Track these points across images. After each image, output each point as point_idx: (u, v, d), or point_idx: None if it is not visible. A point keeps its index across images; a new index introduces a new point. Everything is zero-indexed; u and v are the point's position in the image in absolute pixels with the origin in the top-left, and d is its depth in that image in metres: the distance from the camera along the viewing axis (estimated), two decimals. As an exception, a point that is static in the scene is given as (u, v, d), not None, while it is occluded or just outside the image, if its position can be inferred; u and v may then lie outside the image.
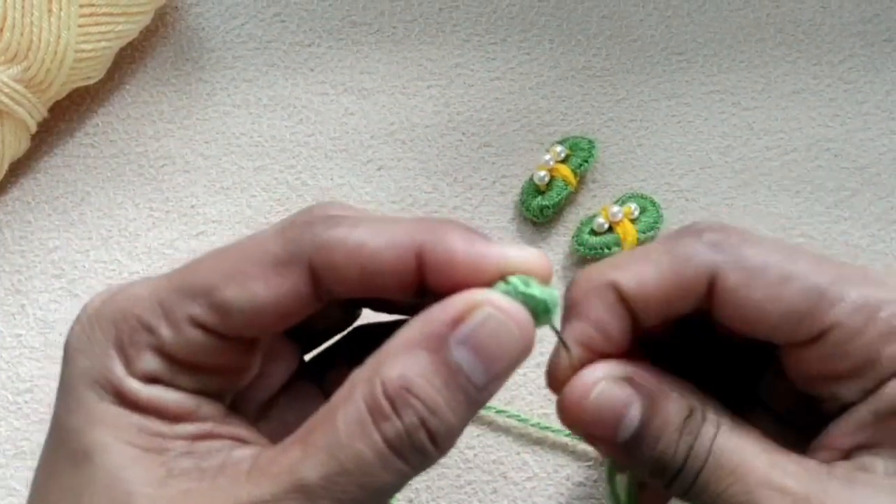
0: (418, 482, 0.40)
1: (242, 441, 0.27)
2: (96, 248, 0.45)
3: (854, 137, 0.46)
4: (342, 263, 0.25)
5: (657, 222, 0.43)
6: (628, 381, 0.27)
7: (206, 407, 0.27)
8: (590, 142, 0.45)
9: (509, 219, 0.45)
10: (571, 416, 0.27)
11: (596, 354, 0.27)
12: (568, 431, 0.40)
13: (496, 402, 0.41)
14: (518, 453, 0.40)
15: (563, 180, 0.44)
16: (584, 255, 0.43)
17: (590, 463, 0.40)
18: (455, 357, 0.24)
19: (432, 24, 0.50)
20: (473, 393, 0.24)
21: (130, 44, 0.49)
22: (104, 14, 0.45)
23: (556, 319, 0.26)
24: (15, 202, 0.47)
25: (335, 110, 0.48)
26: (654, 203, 0.44)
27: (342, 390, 0.25)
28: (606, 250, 0.42)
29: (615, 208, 0.43)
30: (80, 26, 0.45)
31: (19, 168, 0.47)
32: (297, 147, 0.47)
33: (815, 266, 0.27)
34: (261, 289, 0.25)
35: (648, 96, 0.47)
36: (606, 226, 0.43)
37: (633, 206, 0.43)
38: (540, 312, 0.25)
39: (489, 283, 0.25)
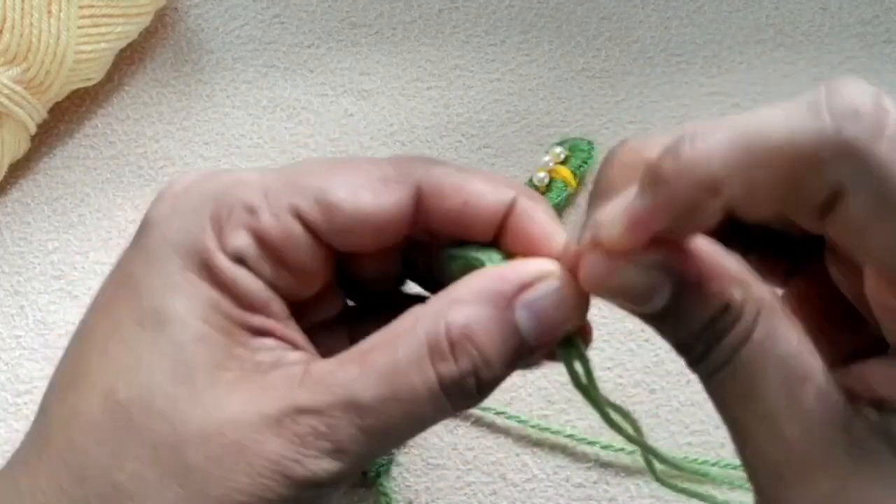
0: (417, 483, 0.40)
1: (295, 345, 0.27)
2: (96, 250, 0.45)
3: (853, 139, 0.46)
4: (448, 192, 0.27)
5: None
6: (664, 265, 0.24)
7: (276, 305, 0.27)
8: (589, 143, 0.45)
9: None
10: (594, 286, 0.26)
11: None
12: (568, 432, 0.40)
13: (495, 403, 0.41)
14: (517, 455, 0.40)
15: (563, 181, 0.44)
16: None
17: (589, 464, 0.40)
18: (517, 317, 0.25)
19: (432, 25, 0.50)
20: (523, 352, 0.26)
21: (130, 45, 0.49)
22: (104, 15, 0.45)
23: None
24: (14, 203, 0.47)
25: (335, 112, 0.48)
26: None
27: (404, 320, 0.26)
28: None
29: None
30: (79, 28, 0.45)
31: (19, 169, 0.47)
32: (297, 148, 0.47)
33: None
34: (369, 197, 0.27)
35: (648, 97, 0.47)
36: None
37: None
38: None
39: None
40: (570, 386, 0.42)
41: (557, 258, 0.26)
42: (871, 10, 0.49)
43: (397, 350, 0.25)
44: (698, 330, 0.24)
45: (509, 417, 0.41)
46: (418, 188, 0.27)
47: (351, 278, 0.30)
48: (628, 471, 0.40)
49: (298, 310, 0.28)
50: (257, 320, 0.27)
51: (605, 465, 0.40)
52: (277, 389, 0.25)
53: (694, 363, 0.25)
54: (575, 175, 0.44)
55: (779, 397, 0.23)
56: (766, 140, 0.22)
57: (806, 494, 0.23)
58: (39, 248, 0.46)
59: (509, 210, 0.27)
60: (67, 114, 0.49)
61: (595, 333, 0.43)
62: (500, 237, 0.27)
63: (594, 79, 0.48)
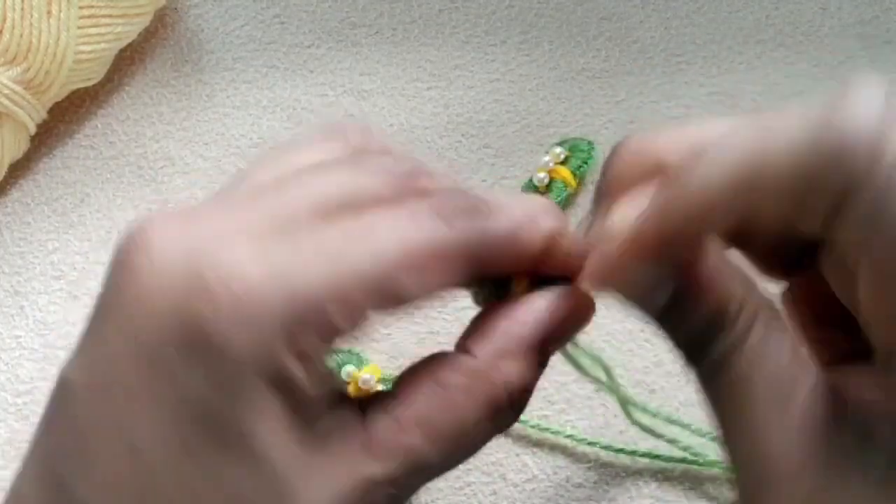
0: (418, 484, 0.40)
1: (337, 403, 0.26)
2: (96, 250, 0.45)
3: (853, 139, 0.46)
4: (498, 252, 0.27)
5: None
6: (667, 265, 0.25)
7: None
8: (589, 143, 0.45)
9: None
10: (597, 279, 0.27)
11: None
12: (568, 432, 0.40)
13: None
14: (517, 455, 0.40)
15: (563, 182, 0.44)
16: None
17: (589, 465, 0.40)
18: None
19: (432, 25, 0.50)
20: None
21: (130, 45, 0.49)
22: (103, 16, 0.45)
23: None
24: (14, 203, 0.47)
25: (335, 112, 0.48)
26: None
27: (455, 376, 0.26)
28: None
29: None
30: (79, 28, 0.45)
31: (18, 169, 0.47)
32: (297, 148, 0.47)
33: None
34: (434, 282, 0.26)
35: (648, 98, 0.47)
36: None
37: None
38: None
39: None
40: (571, 387, 0.42)
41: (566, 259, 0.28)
42: (870, 11, 0.49)
43: (462, 416, 0.26)
44: (695, 332, 0.25)
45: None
46: (471, 253, 0.27)
47: None
48: (628, 471, 0.40)
49: None
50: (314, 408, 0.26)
51: (605, 465, 0.40)
52: (346, 462, 0.25)
53: (688, 364, 0.25)
54: (575, 175, 0.44)
55: (765, 408, 0.24)
56: (769, 167, 0.22)
57: (782, 502, 0.24)
58: (39, 248, 0.46)
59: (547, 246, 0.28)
60: (67, 114, 0.48)
61: (595, 334, 0.43)
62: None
63: (594, 79, 0.48)
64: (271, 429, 0.25)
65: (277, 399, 0.25)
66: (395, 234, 0.26)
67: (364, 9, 0.51)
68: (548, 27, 0.50)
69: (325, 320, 0.25)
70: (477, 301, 0.29)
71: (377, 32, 0.50)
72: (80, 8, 0.44)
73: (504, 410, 0.27)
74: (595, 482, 0.40)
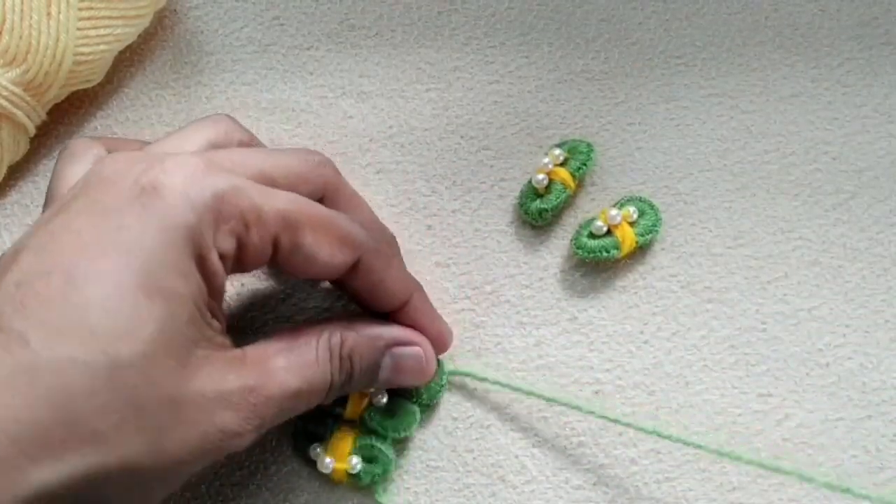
0: (416, 485, 0.40)
1: (224, 327, 0.34)
2: (95, 252, 0.45)
3: (852, 140, 0.46)
4: (375, 276, 0.38)
5: (656, 225, 0.43)
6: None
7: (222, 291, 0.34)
8: (588, 145, 0.45)
9: (508, 222, 0.45)
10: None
11: None
12: (575, 403, 0.40)
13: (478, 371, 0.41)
14: (517, 457, 0.40)
15: (562, 183, 0.44)
16: (584, 259, 0.43)
17: (588, 466, 0.40)
18: (384, 359, 0.38)
19: (431, 27, 0.50)
20: (371, 384, 0.39)
21: (129, 47, 0.49)
22: (103, 17, 0.45)
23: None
24: (14, 205, 0.47)
25: (334, 113, 0.48)
26: (652, 206, 0.44)
27: (315, 326, 0.36)
28: (605, 253, 0.42)
29: (613, 211, 0.43)
30: (78, 29, 0.45)
31: (18, 171, 0.47)
32: (296, 150, 0.47)
33: None
34: (329, 257, 0.35)
35: (647, 99, 0.47)
36: (605, 229, 0.43)
37: (631, 210, 0.43)
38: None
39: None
40: (571, 388, 0.42)
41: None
42: (869, 12, 0.49)
43: (312, 355, 0.35)
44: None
45: (504, 385, 0.41)
46: (360, 258, 0.36)
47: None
48: (627, 472, 0.40)
49: None
50: (215, 306, 0.33)
51: (604, 466, 0.40)
52: (232, 370, 0.32)
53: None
54: (574, 177, 0.44)
55: None
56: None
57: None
58: (39, 250, 0.45)
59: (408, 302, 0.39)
60: (67, 115, 0.49)
61: (594, 335, 0.43)
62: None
63: (593, 81, 0.48)
64: (189, 293, 0.31)
65: (198, 276, 0.32)
66: (316, 204, 0.35)
67: (363, 11, 0.51)
68: (547, 29, 0.50)
69: (244, 219, 0.32)
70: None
71: (377, 34, 0.50)
72: (80, 10, 0.44)
73: (342, 366, 0.36)
74: (594, 483, 0.40)
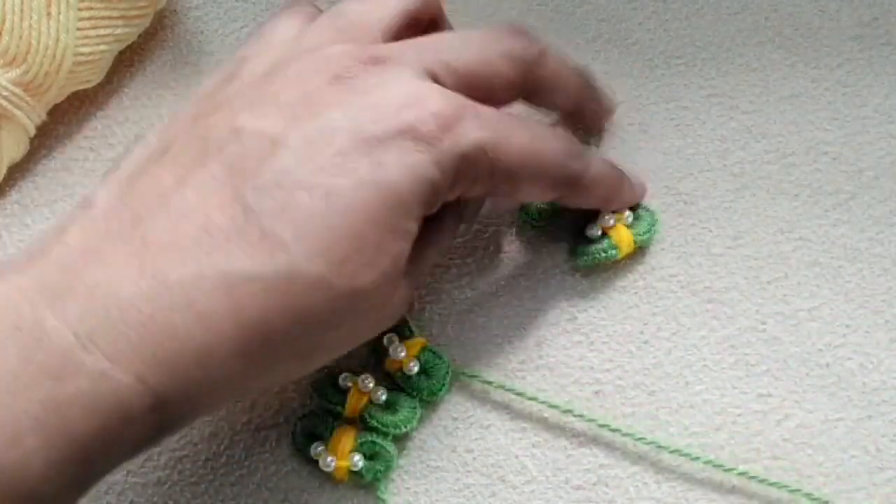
0: (416, 485, 0.40)
1: None
2: (95, 252, 0.45)
3: (852, 141, 0.46)
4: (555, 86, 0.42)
5: (653, 225, 0.43)
6: None
7: None
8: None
9: (508, 222, 0.45)
10: None
11: None
12: (577, 412, 0.40)
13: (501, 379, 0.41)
14: (517, 457, 0.40)
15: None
16: (584, 265, 0.43)
17: (589, 466, 0.40)
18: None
19: (431, 27, 0.50)
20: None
21: (129, 47, 0.49)
22: (103, 18, 0.45)
23: None
24: (13, 205, 0.47)
25: (334, 114, 0.48)
26: (647, 209, 0.44)
27: None
28: (603, 254, 0.42)
29: (607, 216, 0.43)
30: (78, 30, 0.45)
31: (18, 171, 0.47)
32: (296, 150, 0.47)
33: None
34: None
35: (647, 100, 0.47)
36: (600, 232, 0.43)
37: (626, 213, 0.43)
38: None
39: None
40: (571, 388, 0.42)
41: None
42: (869, 13, 0.49)
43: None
44: None
45: (508, 390, 0.41)
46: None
47: None
48: (627, 473, 0.40)
49: None
50: None
51: (604, 467, 0.40)
52: (411, 280, 0.37)
53: None
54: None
55: None
56: None
57: None
58: (38, 250, 0.45)
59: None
60: (66, 116, 0.49)
61: (594, 335, 0.43)
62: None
63: (593, 81, 0.48)
64: (413, 237, 0.34)
65: (422, 219, 0.35)
66: (542, 144, 0.38)
67: (363, 11, 0.51)
68: (546, 29, 0.50)
69: (476, 178, 0.35)
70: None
71: (376, 34, 0.50)
72: (80, 10, 0.44)
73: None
74: (594, 484, 0.40)
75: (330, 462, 0.39)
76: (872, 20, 0.49)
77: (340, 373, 0.40)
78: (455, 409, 0.41)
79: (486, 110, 0.36)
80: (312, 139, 0.32)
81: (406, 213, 0.33)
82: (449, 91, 0.35)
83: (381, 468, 0.39)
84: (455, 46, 0.37)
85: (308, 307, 0.31)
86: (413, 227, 0.34)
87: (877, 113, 0.47)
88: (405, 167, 0.33)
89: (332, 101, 0.33)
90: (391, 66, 0.35)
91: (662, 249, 0.44)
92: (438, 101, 0.34)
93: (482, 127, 0.35)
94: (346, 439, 0.39)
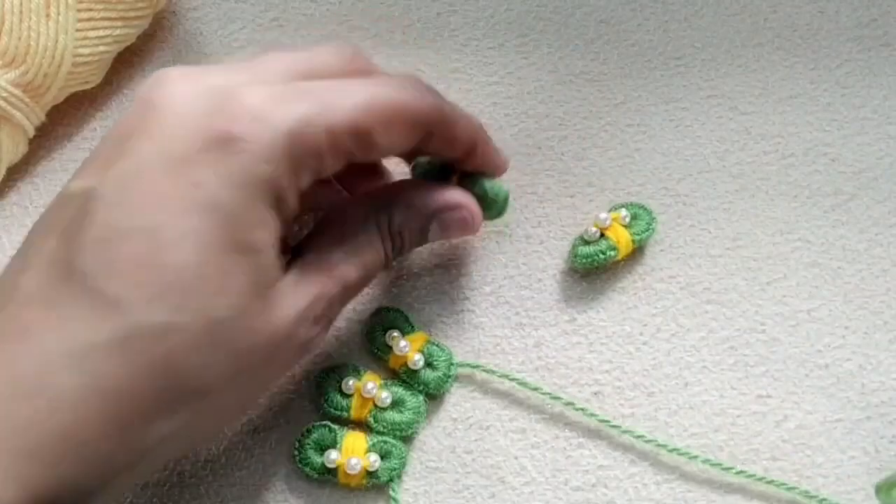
0: (416, 486, 0.40)
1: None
2: (94, 253, 0.45)
3: (851, 142, 0.46)
4: (461, 127, 0.39)
5: (651, 224, 0.43)
6: None
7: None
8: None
9: (507, 223, 0.45)
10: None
11: None
12: (578, 406, 0.40)
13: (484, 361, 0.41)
14: (516, 458, 0.40)
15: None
16: (584, 267, 0.43)
17: (588, 468, 0.40)
18: (431, 225, 0.38)
19: (430, 28, 0.50)
20: (420, 244, 0.40)
21: (129, 48, 0.49)
22: (102, 19, 0.45)
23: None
24: (13, 207, 0.47)
25: (333, 115, 0.48)
26: (645, 208, 0.44)
27: (359, 210, 0.37)
28: (602, 255, 0.42)
29: (603, 215, 0.43)
30: (78, 31, 0.45)
31: (17, 173, 0.47)
32: (295, 151, 0.47)
33: None
34: (403, 136, 0.36)
35: (646, 101, 0.48)
36: (598, 233, 0.43)
37: (622, 213, 0.43)
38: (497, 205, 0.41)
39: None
40: (570, 389, 0.42)
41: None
42: (868, 14, 0.49)
43: (365, 240, 0.36)
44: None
45: (512, 379, 0.41)
46: (429, 122, 0.36)
47: None
48: (626, 474, 0.40)
49: None
50: (287, 235, 0.34)
51: (603, 468, 0.40)
52: (301, 286, 0.34)
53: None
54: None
55: None
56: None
57: None
58: (38, 251, 0.45)
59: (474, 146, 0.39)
60: (66, 117, 0.48)
61: (594, 336, 0.43)
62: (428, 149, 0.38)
63: (592, 82, 0.48)
64: (271, 242, 0.32)
65: (277, 222, 0.32)
66: (376, 90, 0.34)
67: (362, 12, 0.51)
68: (546, 30, 0.50)
69: (319, 152, 0.32)
70: (414, 173, 0.41)
71: (375, 35, 0.50)
72: (79, 11, 0.44)
73: (389, 243, 0.37)
74: (593, 485, 0.40)
75: (355, 464, 0.38)
76: (871, 21, 0.49)
77: (342, 376, 0.40)
78: (455, 410, 0.41)
79: (312, 84, 0.33)
80: (123, 181, 0.30)
81: (246, 224, 0.31)
82: (272, 83, 0.32)
83: (396, 466, 0.39)
84: (286, 64, 0.34)
85: (166, 357, 0.29)
86: (264, 233, 0.31)
87: (876, 114, 0.47)
88: (223, 178, 0.30)
89: (142, 134, 0.31)
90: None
91: (661, 250, 0.44)
92: (251, 94, 0.31)
93: (302, 100, 0.32)
94: (359, 442, 0.39)
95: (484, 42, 0.50)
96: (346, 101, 0.33)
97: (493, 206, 0.40)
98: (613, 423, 0.40)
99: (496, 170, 0.41)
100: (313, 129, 0.32)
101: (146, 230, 0.29)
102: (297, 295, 0.33)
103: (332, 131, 0.32)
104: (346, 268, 0.35)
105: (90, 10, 0.45)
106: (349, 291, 0.36)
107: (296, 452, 0.40)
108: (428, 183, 0.39)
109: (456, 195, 0.38)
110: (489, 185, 0.40)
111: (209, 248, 0.30)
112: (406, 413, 0.40)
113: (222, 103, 0.31)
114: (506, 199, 0.41)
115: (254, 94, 0.31)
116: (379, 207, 0.37)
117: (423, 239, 0.39)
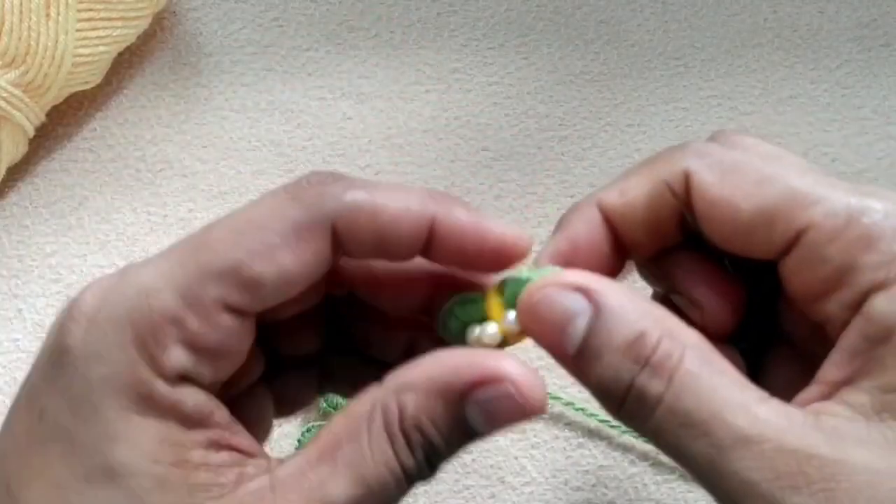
0: (417, 488, 0.40)
1: (248, 453, 0.26)
2: (94, 253, 0.45)
3: (851, 142, 0.46)
4: (364, 226, 0.25)
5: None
6: (583, 290, 0.25)
7: (219, 412, 0.25)
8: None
9: (506, 223, 0.45)
10: (525, 320, 0.26)
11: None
12: (579, 406, 0.40)
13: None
14: (516, 458, 0.40)
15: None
16: None
17: (587, 468, 0.40)
18: (467, 413, 0.25)
19: (430, 28, 0.50)
20: (474, 438, 0.26)
21: (128, 48, 0.49)
22: (102, 19, 0.45)
23: None
24: (13, 207, 0.47)
25: (333, 115, 0.48)
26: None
27: (360, 405, 0.25)
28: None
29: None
30: (77, 31, 0.45)
31: (17, 173, 0.47)
32: (295, 152, 0.47)
33: (798, 170, 0.26)
34: (288, 259, 0.25)
35: (646, 101, 0.47)
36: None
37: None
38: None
39: (492, 264, 0.27)
40: (570, 389, 0.42)
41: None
42: (868, 14, 0.49)
43: (363, 445, 0.25)
44: (619, 357, 0.24)
45: None
46: (333, 229, 0.25)
47: (272, 342, 0.29)
48: (626, 474, 0.40)
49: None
50: (204, 436, 0.25)
51: (603, 468, 0.40)
52: None
53: (621, 402, 0.25)
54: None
55: (733, 415, 0.23)
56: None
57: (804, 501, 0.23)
58: (37, 251, 0.45)
59: (432, 224, 0.26)
60: (66, 117, 0.48)
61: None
62: (433, 253, 0.27)
63: (592, 82, 0.48)
64: (140, 455, 0.24)
65: (147, 425, 0.24)
66: (236, 222, 0.25)
67: (362, 12, 0.51)
68: (546, 31, 0.50)
69: (179, 324, 0.24)
70: (448, 327, 0.28)
71: (375, 35, 0.50)
72: (79, 11, 0.44)
73: (404, 451, 0.25)
74: (593, 485, 0.40)
75: None
76: (871, 21, 0.49)
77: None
78: (454, 410, 0.41)
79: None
80: None
81: (103, 449, 0.24)
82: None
83: None
84: None
85: None
86: (130, 455, 0.24)
87: (875, 114, 0.47)
88: (65, 401, 0.25)
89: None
90: None
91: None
92: (79, 301, 0.26)
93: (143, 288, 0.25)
94: None
95: (484, 42, 0.50)
96: (207, 249, 0.25)
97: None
98: (613, 423, 0.40)
99: (504, 249, 0.28)
100: (160, 304, 0.24)
101: (3, 472, 0.25)
102: None
103: (189, 295, 0.24)
104: (338, 489, 0.25)
105: (90, 10, 0.45)
106: None
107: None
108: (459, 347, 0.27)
109: (491, 359, 0.25)
110: (510, 282, 0.27)
111: (58, 485, 0.24)
112: None
113: (67, 311, 0.26)
114: None
115: (94, 287, 0.26)
116: (383, 394, 0.25)
117: (462, 434, 0.26)
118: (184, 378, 0.25)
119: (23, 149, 0.46)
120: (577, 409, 0.40)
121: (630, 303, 0.25)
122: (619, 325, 0.24)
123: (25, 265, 0.45)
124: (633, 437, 0.40)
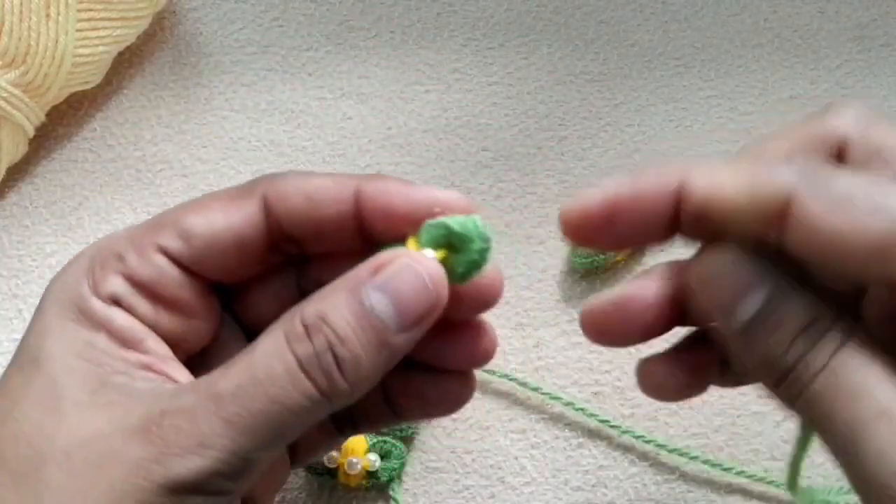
0: (416, 487, 0.40)
1: (177, 382, 0.28)
2: (94, 253, 0.45)
3: (851, 142, 0.46)
4: (291, 192, 0.28)
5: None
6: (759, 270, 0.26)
7: (153, 342, 0.29)
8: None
9: (506, 223, 0.45)
10: (701, 284, 0.27)
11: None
12: (578, 406, 0.40)
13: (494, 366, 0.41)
14: (516, 458, 0.40)
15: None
16: (584, 268, 0.43)
17: (587, 468, 0.40)
18: (370, 299, 0.26)
19: (430, 28, 0.50)
20: (385, 334, 0.26)
21: (128, 48, 0.49)
22: (102, 19, 0.45)
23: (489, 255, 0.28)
24: (12, 207, 0.47)
25: (333, 115, 0.48)
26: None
27: (268, 328, 0.27)
28: (602, 256, 0.42)
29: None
30: (78, 31, 0.45)
31: (17, 173, 0.47)
32: (295, 152, 0.47)
33: None
34: (219, 217, 0.29)
35: (646, 101, 0.47)
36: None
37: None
38: (465, 252, 0.27)
39: (420, 218, 0.28)
40: (570, 389, 0.42)
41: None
42: (868, 14, 0.49)
43: (256, 346, 0.26)
44: (794, 336, 0.25)
45: (512, 379, 0.41)
46: (264, 197, 0.29)
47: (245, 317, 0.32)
48: (626, 474, 0.40)
49: (199, 357, 0.30)
50: (134, 357, 0.28)
51: (603, 468, 0.40)
52: (145, 402, 0.26)
53: (782, 378, 0.25)
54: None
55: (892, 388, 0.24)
56: None
57: None
58: (37, 251, 0.45)
59: (359, 194, 0.28)
60: (66, 117, 0.48)
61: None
62: (366, 227, 0.28)
63: (592, 82, 0.48)
64: (63, 348, 0.28)
65: (79, 329, 0.28)
66: (190, 201, 0.30)
67: (362, 12, 0.51)
68: (546, 31, 0.50)
69: (120, 259, 0.29)
70: None
71: (375, 35, 0.50)
72: (79, 11, 0.44)
73: (302, 339, 0.26)
74: (593, 485, 0.40)
75: (355, 464, 0.39)
76: (871, 21, 0.49)
77: None
78: (454, 410, 0.41)
79: None
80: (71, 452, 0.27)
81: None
82: None
83: (396, 466, 0.39)
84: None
85: None
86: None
87: (876, 114, 0.47)
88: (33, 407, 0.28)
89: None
90: None
91: (661, 250, 0.44)
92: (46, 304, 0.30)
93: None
94: (358, 442, 0.39)
95: (484, 42, 0.50)
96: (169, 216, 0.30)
97: (467, 251, 0.27)
98: (613, 423, 0.40)
99: (441, 203, 0.28)
100: (109, 244, 0.30)
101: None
102: (136, 407, 0.27)
103: (133, 239, 0.29)
104: (223, 379, 0.26)
105: (90, 10, 0.45)
106: (227, 412, 0.26)
107: None
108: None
109: (390, 253, 0.27)
110: (429, 226, 0.27)
111: (5, 375, 0.28)
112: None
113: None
114: (482, 238, 0.28)
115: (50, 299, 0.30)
116: (288, 311, 0.27)
117: (371, 332, 0.26)
118: (117, 302, 0.28)
119: (23, 149, 0.46)
120: (577, 409, 0.40)
121: (800, 290, 0.25)
122: (797, 307, 0.25)
123: (25, 265, 0.45)
124: (633, 436, 0.40)
